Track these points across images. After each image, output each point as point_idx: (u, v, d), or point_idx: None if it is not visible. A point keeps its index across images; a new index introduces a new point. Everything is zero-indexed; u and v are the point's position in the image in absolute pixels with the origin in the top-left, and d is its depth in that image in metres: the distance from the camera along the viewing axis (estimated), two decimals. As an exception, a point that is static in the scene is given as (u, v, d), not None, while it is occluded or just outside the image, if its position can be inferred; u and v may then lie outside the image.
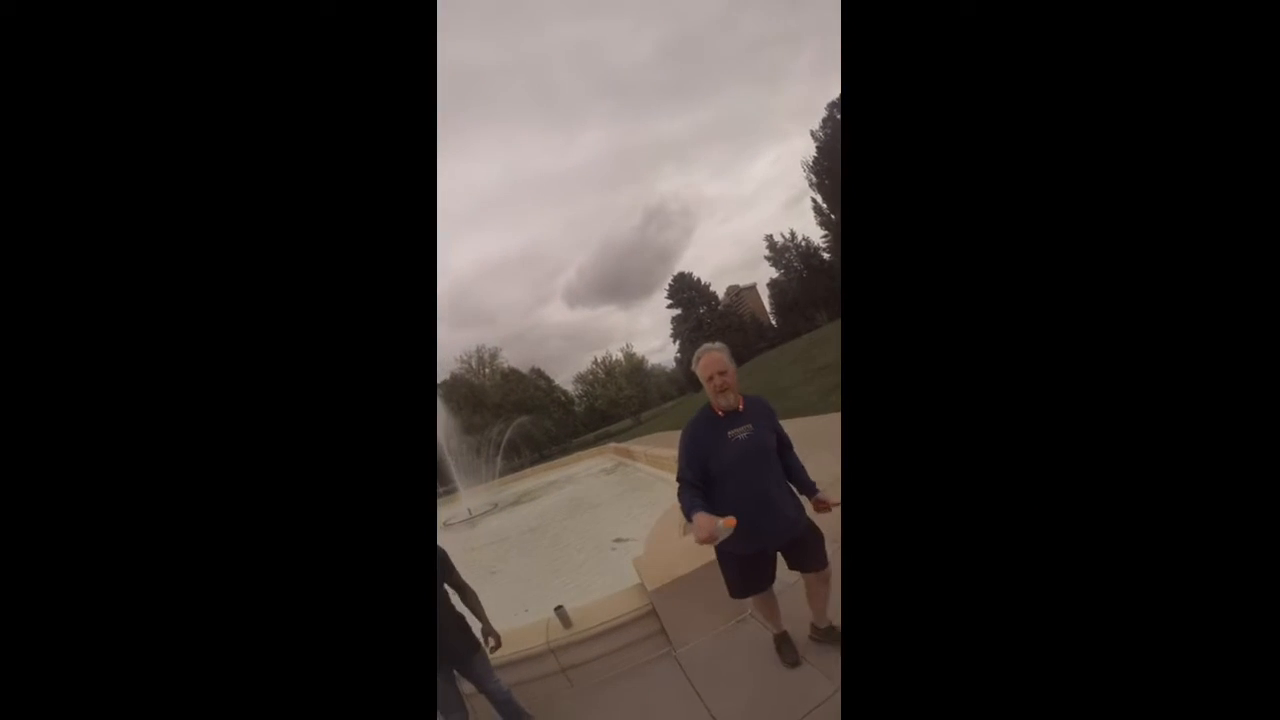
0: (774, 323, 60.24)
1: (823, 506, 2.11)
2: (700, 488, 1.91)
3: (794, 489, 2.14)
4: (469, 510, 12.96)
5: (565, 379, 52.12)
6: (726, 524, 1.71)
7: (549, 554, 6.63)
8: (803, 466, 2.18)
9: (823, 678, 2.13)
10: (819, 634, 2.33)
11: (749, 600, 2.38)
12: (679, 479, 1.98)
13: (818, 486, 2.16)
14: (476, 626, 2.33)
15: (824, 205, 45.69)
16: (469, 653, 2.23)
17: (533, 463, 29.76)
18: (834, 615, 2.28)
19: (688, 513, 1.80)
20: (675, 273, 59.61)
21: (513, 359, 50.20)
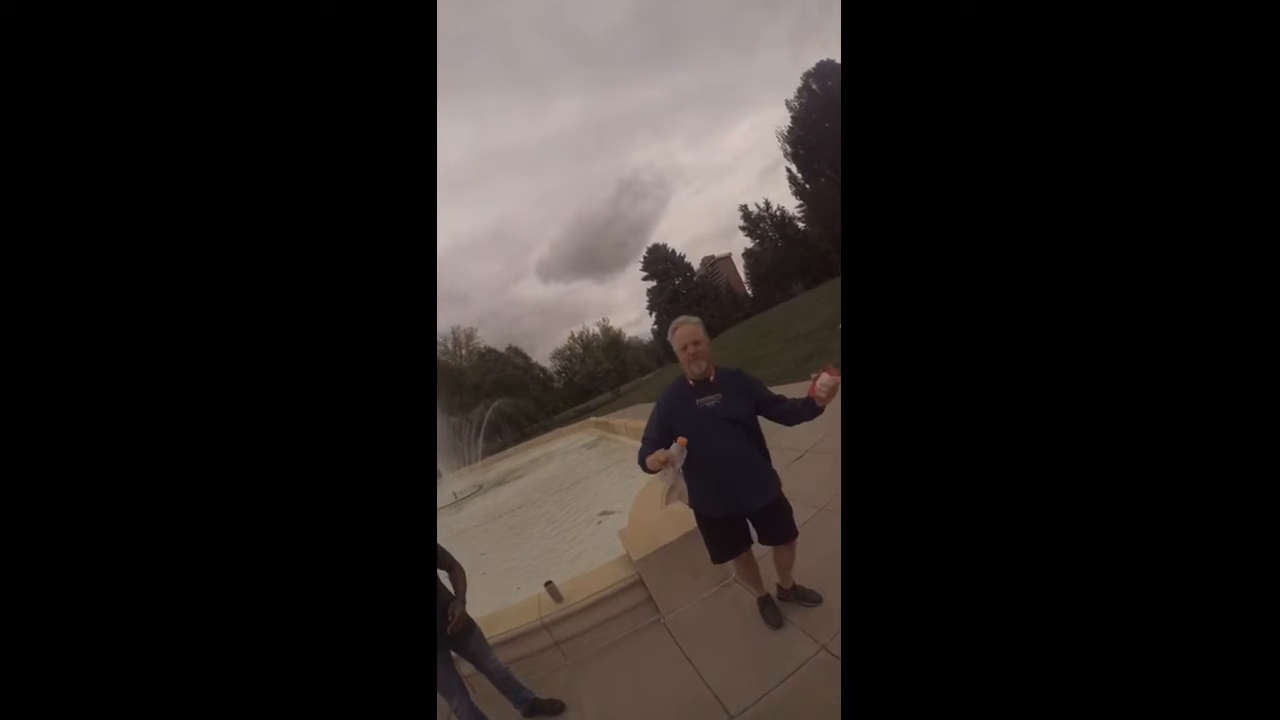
0: (750, 293, 60.50)
1: (831, 376, 1.91)
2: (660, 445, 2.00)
3: (767, 461, 2.19)
4: (454, 494, 12.92)
5: (542, 356, 52.02)
6: (679, 443, 1.83)
7: (536, 532, 6.70)
8: (794, 404, 2.10)
9: (806, 638, 2.24)
10: (785, 594, 2.50)
11: (731, 564, 2.48)
12: (643, 439, 2.11)
13: (814, 396, 1.98)
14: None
15: (799, 175, 45.46)
16: (465, 633, 2.26)
17: (515, 442, 29.73)
18: (795, 575, 2.48)
19: (641, 461, 1.96)
20: (650, 244, 59.37)
21: (489, 338, 49.79)
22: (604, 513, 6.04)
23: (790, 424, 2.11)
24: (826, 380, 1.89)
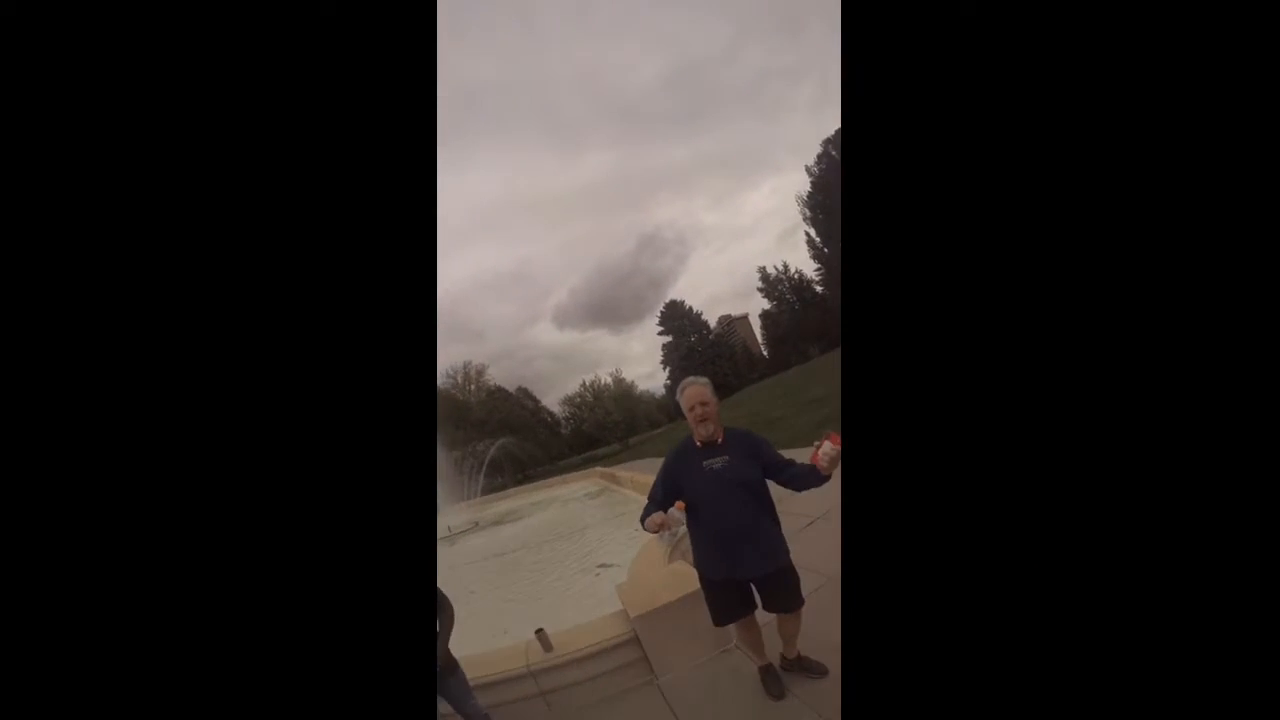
0: (765, 354, 60.64)
1: (834, 445, 1.85)
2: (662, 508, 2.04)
3: (777, 526, 2.11)
4: (449, 528, 12.71)
5: (552, 400, 51.93)
6: (678, 508, 1.87)
7: (531, 576, 6.51)
8: (802, 469, 2.02)
9: (809, 710, 2.10)
10: (789, 664, 2.38)
11: (733, 629, 2.37)
12: (648, 498, 2.14)
13: (816, 465, 1.91)
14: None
15: (817, 239, 46.37)
16: (446, 673, 2.18)
17: (516, 483, 29.42)
18: (801, 646, 2.35)
19: (642, 520, 2.01)
20: (668, 300, 60.16)
21: (499, 376, 49.86)
22: (603, 565, 5.88)
23: (798, 490, 2.05)
24: (829, 449, 1.84)
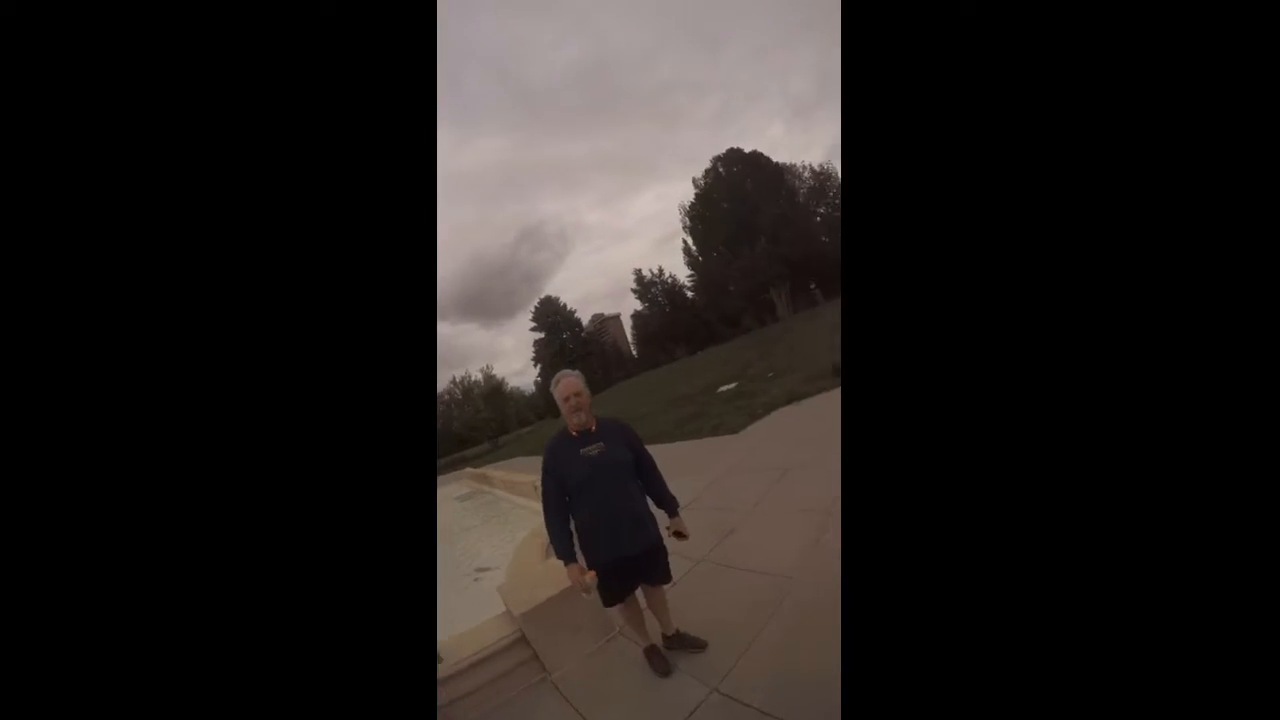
0: (634, 353, 62.17)
1: (678, 535, 2.38)
2: (564, 510, 2.23)
3: (650, 503, 2.39)
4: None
5: (417, 399, 48.70)
6: (590, 577, 2.17)
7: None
8: (665, 485, 2.43)
9: (695, 682, 2.33)
10: (670, 641, 2.59)
11: (617, 613, 2.57)
12: (542, 496, 2.30)
13: (677, 508, 2.41)
14: None
15: (693, 247, 48.60)
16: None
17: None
18: (676, 621, 2.59)
19: (560, 555, 2.23)
20: (542, 296, 59.28)
21: (358, 375, 45.53)
22: (481, 569, 5.78)
23: (650, 494, 2.39)
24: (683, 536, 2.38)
